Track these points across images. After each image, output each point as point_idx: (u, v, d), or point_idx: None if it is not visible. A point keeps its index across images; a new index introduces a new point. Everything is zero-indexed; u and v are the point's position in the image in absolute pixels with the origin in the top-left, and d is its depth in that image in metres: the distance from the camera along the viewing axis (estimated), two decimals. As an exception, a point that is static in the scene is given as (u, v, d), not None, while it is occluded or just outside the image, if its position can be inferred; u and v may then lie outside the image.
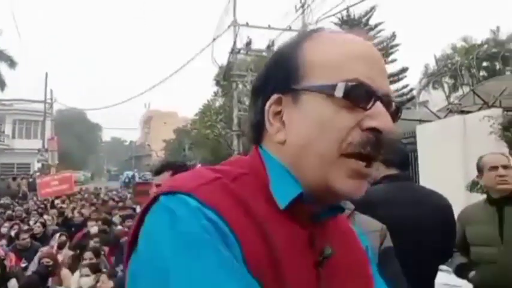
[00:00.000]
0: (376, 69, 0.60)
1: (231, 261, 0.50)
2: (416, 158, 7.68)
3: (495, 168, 2.22)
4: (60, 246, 5.48)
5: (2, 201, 12.47)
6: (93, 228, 6.20)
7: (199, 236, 0.50)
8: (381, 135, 0.57)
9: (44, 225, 6.93)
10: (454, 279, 2.47)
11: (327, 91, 0.57)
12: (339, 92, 0.56)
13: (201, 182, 0.55)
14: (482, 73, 16.24)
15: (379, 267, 0.76)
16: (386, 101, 0.59)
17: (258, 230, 0.54)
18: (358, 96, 0.57)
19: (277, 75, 0.62)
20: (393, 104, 0.61)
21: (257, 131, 0.66)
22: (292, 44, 0.65)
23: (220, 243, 0.50)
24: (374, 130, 0.57)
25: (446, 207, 2.02)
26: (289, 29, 13.59)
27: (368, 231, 0.81)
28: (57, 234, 5.96)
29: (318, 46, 0.61)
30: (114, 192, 17.78)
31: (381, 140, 0.57)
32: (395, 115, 0.61)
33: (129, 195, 14.22)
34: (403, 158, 2.11)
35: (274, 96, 0.62)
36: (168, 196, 0.54)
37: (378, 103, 0.58)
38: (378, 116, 0.57)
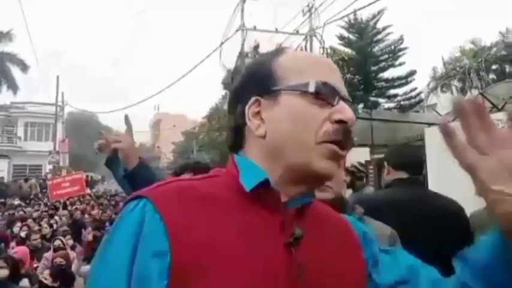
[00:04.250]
0: (336, 77, 0.72)
1: (122, 259, 0.60)
2: (424, 162, 7.65)
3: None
4: (56, 250, 5.46)
5: (14, 202, 12.68)
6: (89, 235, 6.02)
7: (117, 236, 0.63)
8: (346, 125, 0.68)
9: (51, 226, 7.03)
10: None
11: (301, 88, 0.68)
12: (312, 88, 0.68)
13: (155, 185, 0.68)
14: (492, 76, 16.08)
15: None
16: (347, 102, 0.71)
17: (210, 218, 0.63)
18: (327, 93, 0.68)
19: (255, 82, 0.72)
20: (349, 104, 0.72)
21: (237, 135, 0.74)
22: (265, 58, 0.76)
23: (133, 240, 0.61)
24: (341, 122, 0.68)
25: (459, 212, 1.98)
26: (297, 32, 13.63)
27: (377, 236, 0.85)
28: (53, 239, 5.93)
29: (289, 57, 0.73)
30: (124, 194, 17.90)
31: (347, 129, 0.68)
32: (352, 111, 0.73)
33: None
34: (414, 162, 2.10)
35: (253, 99, 0.71)
36: (131, 200, 0.66)
37: (342, 101, 0.70)
38: (343, 111, 0.68)
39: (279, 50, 0.77)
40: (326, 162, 0.67)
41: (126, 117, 2.04)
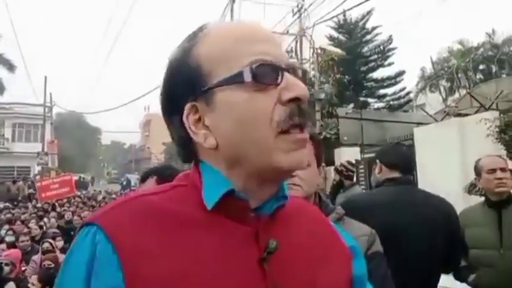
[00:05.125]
0: (270, 44, 0.61)
1: None
2: (413, 161, 7.74)
3: (493, 170, 2.24)
4: (44, 253, 5.40)
5: (1, 205, 12.48)
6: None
7: (68, 272, 0.55)
8: (300, 102, 0.59)
9: (41, 227, 6.95)
10: (453, 282, 2.48)
11: (236, 80, 0.57)
12: (248, 77, 0.57)
13: (107, 208, 0.59)
14: (479, 76, 16.33)
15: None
16: (292, 70, 0.61)
17: (171, 243, 0.55)
18: (266, 75, 0.57)
19: (182, 85, 0.61)
20: (298, 70, 0.63)
21: (187, 148, 0.64)
22: (182, 51, 0.63)
23: (84, 278, 0.52)
24: (293, 100, 0.58)
25: (449, 211, 2.00)
26: (287, 33, 13.66)
27: (356, 236, 0.82)
28: (41, 242, 5.82)
29: (209, 43, 0.60)
30: (114, 196, 17.78)
31: (302, 107, 0.59)
32: (304, 79, 0.63)
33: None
34: (406, 161, 2.10)
35: (188, 106, 0.60)
36: (82, 228, 0.58)
37: (286, 74, 0.59)
38: (292, 87, 0.58)
39: (197, 33, 0.63)
40: (291, 155, 0.58)
41: None
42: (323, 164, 1.39)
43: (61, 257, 5.18)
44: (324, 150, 1.46)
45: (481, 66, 17.58)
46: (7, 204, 12.81)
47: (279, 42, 0.64)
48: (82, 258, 0.54)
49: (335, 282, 0.64)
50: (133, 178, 26.41)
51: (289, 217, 0.66)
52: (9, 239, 6.32)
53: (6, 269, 4.67)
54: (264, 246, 0.59)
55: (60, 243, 5.97)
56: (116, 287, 0.51)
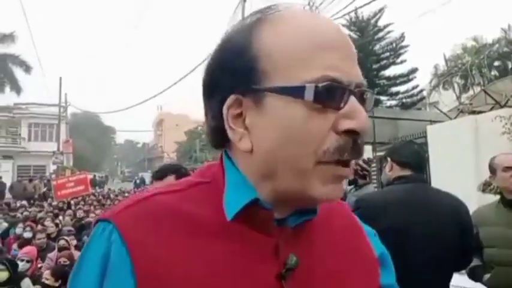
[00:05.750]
0: (346, 58, 0.53)
1: None
2: (427, 159, 7.65)
3: (509, 168, 2.20)
4: (60, 250, 5.50)
5: (17, 204, 12.75)
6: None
7: (84, 270, 0.53)
8: (357, 136, 0.52)
9: (57, 225, 7.08)
10: (467, 281, 2.45)
11: (295, 94, 0.50)
12: (309, 95, 0.49)
13: (124, 206, 0.55)
14: (494, 73, 16.01)
15: None
16: (359, 92, 0.53)
17: (186, 248, 0.52)
18: (330, 96, 0.50)
19: (233, 71, 0.53)
20: (366, 93, 0.55)
21: (219, 136, 0.58)
22: (243, 31, 0.55)
23: (98, 278, 0.51)
24: (350, 132, 0.51)
25: (461, 209, 1.98)
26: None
27: None
28: (57, 240, 5.94)
29: (279, 34, 0.52)
30: (127, 194, 17.99)
31: (358, 142, 0.52)
32: (369, 104, 0.56)
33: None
34: (418, 159, 2.08)
35: (232, 97, 0.53)
36: (98, 223, 0.56)
37: (352, 98, 0.51)
38: (354, 115, 0.51)
39: (266, 14, 0.55)
40: (326, 188, 0.52)
41: None
42: None
43: (75, 254, 5.28)
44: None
45: (496, 63, 17.25)
46: (23, 202, 13.08)
47: (354, 53, 0.55)
48: (98, 255, 0.52)
49: None
50: (148, 176, 26.67)
51: (316, 227, 0.60)
52: (27, 235, 6.46)
53: (27, 265, 4.78)
54: (283, 261, 0.54)
55: (74, 241, 6.06)
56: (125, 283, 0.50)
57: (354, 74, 0.53)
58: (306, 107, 0.50)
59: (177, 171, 1.93)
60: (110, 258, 0.51)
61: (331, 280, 0.58)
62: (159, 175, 1.99)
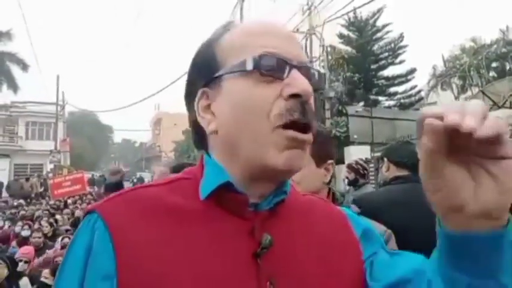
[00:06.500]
0: (284, 41, 0.61)
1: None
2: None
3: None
4: (64, 248, 5.52)
5: (14, 203, 12.71)
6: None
7: (71, 255, 0.58)
8: (303, 99, 0.58)
9: (51, 224, 7.05)
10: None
11: (238, 68, 0.58)
12: (249, 66, 0.57)
13: (109, 197, 0.61)
14: (492, 74, 16.07)
15: None
16: (304, 68, 0.60)
17: (167, 233, 0.56)
18: (271, 67, 0.57)
19: (199, 71, 0.64)
20: (312, 71, 0.62)
21: (199, 134, 0.66)
22: (205, 42, 0.66)
23: (82, 262, 0.55)
24: (295, 96, 0.57)
25: None
26: (297, 30, 13.62)
27: None
28: (60, 237, 5.99)
29: (231, 34, 0.63)
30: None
31: (304, 104, 0.58)
32: (318, 79, 0.63)
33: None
34: (415, 159, 2.09)
35: (200, 91, 0.63)
36: (87, 215, 0.60)
37: (294, 70, 0.58)
38: (294, 82, 0.57)
39: (224, 27, 0.66)
40: (284, 153, 0.57)
41: None
42: (331, 161, 1.39)
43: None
44: (336, 148, 1.46)
45: (494, 64, 17.30)
46: (21, 201, 13.05)
47: (296, 42, 0.65)
48: (82, 244, 0.56)
49: (338, 276, 0.62)
50: (147, 176, 26.62)
51: (295, 213, 0.65)
52: (25, 233, 6.45)
53: (25, 266, 4.77)
54: (258, 241, 0.58)
55: (65, 239, 6.04)
56: (109, 274, 0.53)
57: (294, 54, 0.60)
58: (253, 80, 0.58)
59: (191, 165, 2.12)
60: (93, 244, 0.56)
61: (306, 261, 0.61)
62: (176, 169, 2.15)
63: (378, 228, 1.39)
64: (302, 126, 0.58)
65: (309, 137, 0.59)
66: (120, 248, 0.54)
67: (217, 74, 0.61)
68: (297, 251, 0.62)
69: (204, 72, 0.63)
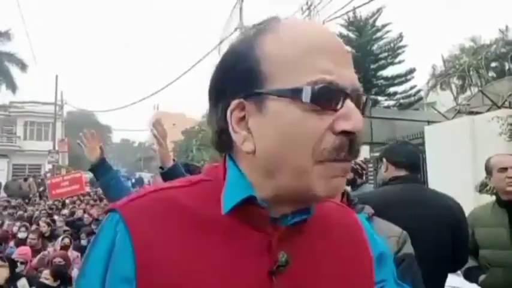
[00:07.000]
0: (341, 62, 0.56)
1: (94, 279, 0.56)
2: (424, 160, 7.66)
3: (504, 169, 2.19)
4: (63, 248, 5.48)
5: (14, 202, 12.67)
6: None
7: (92, 256, 0.58)
8: (353, 136, 0.54)
9: (49, 224, 7.02)
10: (463, 282, 2.45)
11: (293, 95, 0.53)
12: (306, 97, 0.52)
13: (132, 197, 0.60)
14: (491, 73, 16.08)
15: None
16: (355, 96, 0.56)
17: (186, 240, 0.56)
18: (326, 98, 0.53)
19: (236, 77, 0.57)
20: (362, 97, 0.58)
21: (223, 139, 0.61)
22: (250, 39, 0.58)
23: (103, 263, 0.56)
24: (346, 132, 0.54)
25: (456, 209, 1.97)
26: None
27: (385, 237, 0.79)
28: (60, 237, 5.97)
29: (278, 40, 0.56)
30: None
31: (354, 142, 0.55)
32: (364, 108, 0.58)
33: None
34: (413, 159, 2.07)
35: (236, 101, 0.57)
36: (108, 213, 0.61)
37: (348, 101, 0.54)
38: (350, 116, 0.54)
39: (267, 25, 0.58)
40: (330, 184, 0.55)
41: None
42: None
43: (70, 254, 5.25)
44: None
45: (494, 64, 17.31)
46: (19, 200, 13.01)
47: (351, 61, 0.59)
48: (104, 245, 0.57)
49: None
50: (147, 176, 26.56)
51: (314, 228, 0.63)
52: (22, 235, 6.41)
53: (21, 267, 4.76)
54: (274, 258, 0.57)
55: (66, 239, 6.02)
56: (128, 277, 0.54)
57: (349, 79, 0.56)
58: (304, 108, 0.53)
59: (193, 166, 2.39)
60: (115, 245, 0.56)
61: (323, 280, 0.60)
62: (186, 168, 2.34)
63: (393, 228, 1.37)
64: (345, 157, 0.56)
65: (349, 165, 0.57)
66: (139, 252, 0.55)
67: (263, 91, 0.55)
68: (314, 270, 0.61)
69: (242, 81, 0.56)
